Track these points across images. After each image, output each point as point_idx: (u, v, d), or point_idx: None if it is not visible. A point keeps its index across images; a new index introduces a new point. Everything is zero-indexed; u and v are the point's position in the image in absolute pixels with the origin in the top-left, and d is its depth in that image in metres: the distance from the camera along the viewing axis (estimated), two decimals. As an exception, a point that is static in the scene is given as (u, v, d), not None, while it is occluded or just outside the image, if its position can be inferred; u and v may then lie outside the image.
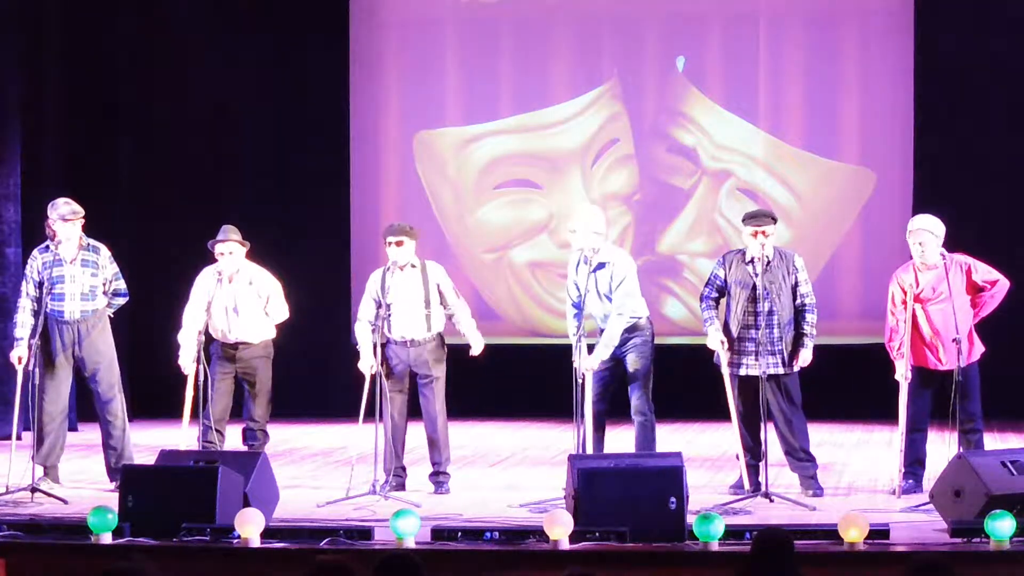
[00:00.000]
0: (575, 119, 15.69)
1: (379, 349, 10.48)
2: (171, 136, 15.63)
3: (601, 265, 10.46)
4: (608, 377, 10.44)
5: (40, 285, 10.80)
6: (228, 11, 15.69)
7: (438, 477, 10.72)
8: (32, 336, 10.70)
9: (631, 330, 10.46)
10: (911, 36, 15.09)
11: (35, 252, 10.98)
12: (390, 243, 10.63)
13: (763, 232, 10.26)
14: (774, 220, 10.44)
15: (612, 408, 10.62)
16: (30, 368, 10.62)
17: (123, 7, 15.33)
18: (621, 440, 11.33)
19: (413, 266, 10.68)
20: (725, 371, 10.28)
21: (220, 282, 11.11)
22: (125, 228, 14.76)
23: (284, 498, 9.74)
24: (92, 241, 10.98)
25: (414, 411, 10.86)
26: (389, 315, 10.58)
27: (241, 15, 15.70)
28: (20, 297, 10.97)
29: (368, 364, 10.51)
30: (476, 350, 10.93)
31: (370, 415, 10.38)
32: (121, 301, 11.11)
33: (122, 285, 11.07)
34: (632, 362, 10.50)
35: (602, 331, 10.46)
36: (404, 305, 10.61)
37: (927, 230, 10.33)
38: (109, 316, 11.07)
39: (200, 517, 8.70)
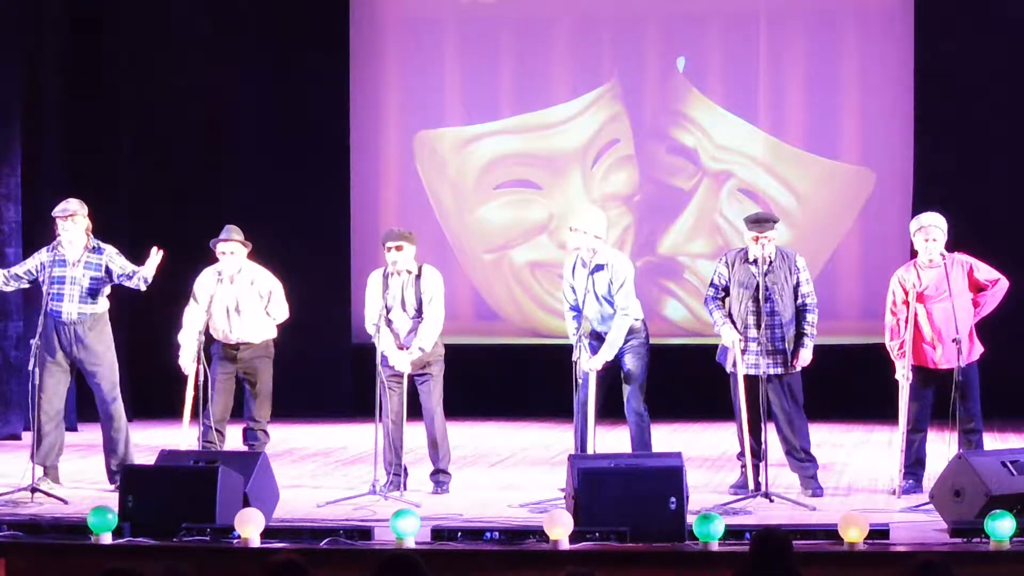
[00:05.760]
0: (575, 119, 15.69)
1: (378, 349, 10.49)
2: (171, 136, 15.62)
3: (599, 267, 10.45)
4: (606, 377, 10.44)
5: (31, 275, 10.84)
6: (228, 11, 15.69)
7: (438, 476, 10.71)
8: (32, 335, 10.71)
9: (628, 332, 10.46)
10: (911, 36, 15.08)
11: (43, 249, 11.01)
12: (389, 248, 10.60)
13: (764, 237, 10.28)
14: (776, 223, 10.45)
15: (608, 408, 10.62)
16: (30, 368, 10.63)
17: (123, 7, 15.32)
18: (620, 440, 11.33)
19: (410, 272, 10.65)
20: (740, 369, 10.26)
21: (220, 282, 11.10)
22: (125, 228, 14.74)
23: (284, 498, 9.74)
24: (99, 243, 10.97)
25: (414, 412, 10.85)
26: (388, 318, 10.57)
27: (241, 15, 15.70)
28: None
29: (404, 360, 10.47)
30: (396, 361, 10.48)
31: (368, 415, 10.42)
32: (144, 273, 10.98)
33: (132, 267, 10.98)
34: (629, 363, 10.51)
35: (595, 332, 10.45)
36: (398, 311, 10.60)
37: (938, 226, 10.35)
38: (145, 280, 10.93)
39: (200, 517, 8.70)
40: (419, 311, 10.62)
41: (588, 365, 10.23)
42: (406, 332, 10.63)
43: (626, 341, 10.47)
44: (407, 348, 10.60)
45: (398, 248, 10.58)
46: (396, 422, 10.60)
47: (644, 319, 10.67)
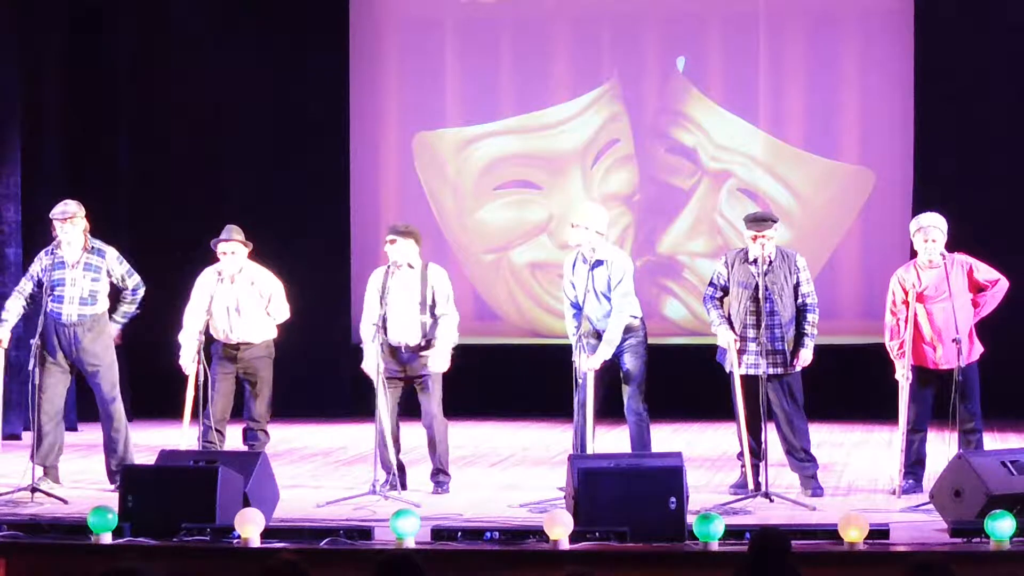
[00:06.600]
0: (575, 119, 15.69)
1: (383, 349, 10.50)
2: (171, 136, 15.63)
3: (599, 263, 10.45)
4: (604, 377, 10.43)
5: (40, 284, 10.81)
6: (228, 11, 15.69)
7: (438, 477, 10.71)
8: (32, 335, 10.70)
9: (626, 331, 10.45)
10: (911, 36, 15.09)
11: (41, 253, 10.99)
12: (386, 241, 10.65)
13: (763, 236, 10.27)
14: (775, 223, 10.45)
15: (608, 408, 10.62)
16: (30, 368, 10.62)
17: (123, 7, 15.33)
18: (620, 440, 11.33)
19: (411, 266, 10.65)
20: (736, 370, 10.26)
21: (221, 282, 11.10)
22: (125, 228, 14.76)
23: (284, 498, 9.74)
24: (98, 244, 10.95)
25: (413, 411, 10.85)
26: (386, 317, 10.56)
27: (241, 15, 15.70)
28: (16, 286, 11.00)
29: (373, 365, 10.49)
30: (432, 366, 10.56)
31: (368, 415, 10.43)
32: (140, 294, 11.03)
33: (137, 279, 10.99)
34: (627, 363, 10.50)
35: (595, 331, 10.45)
36: (400, 308, 10.59)
37: (938, 227, 10.35)
38: (137, 313, 11.01)
39: (200, 517, 8.70)
40: (422, 307, 10.61)
41: (586, 365, 10.23)
42: (408, 330, 10.61)
43: (624, 340, 10.47)
44: (407, 346, 10.59)
45: (391, 242, 10.61)
46: (394, 422, 10.61)
47: (643, 318, 10.66)
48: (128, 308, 11.05)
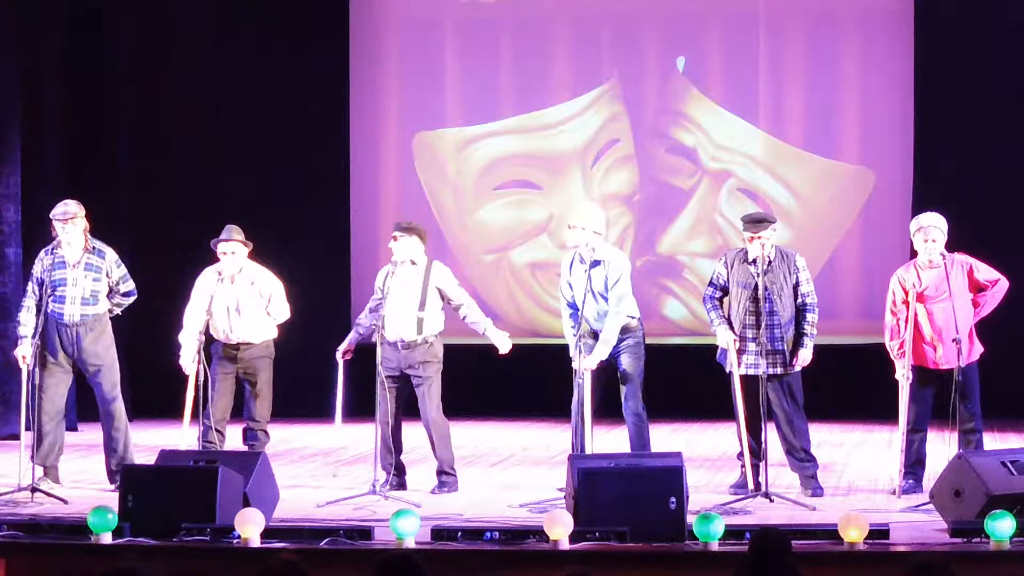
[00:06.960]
0: (575, 119, 15.69)
1: (378, 347, 10.51)
2: (171, 136, 15.63)
3: (596, 263, 10.45)
4: (602, 377, 10.43)
5: (42, 284, 10.80)
6: (228, 11, 15.69)
7: (441, 477, 10.72)
8: (33, 336, 10.70)
9: (623, 331, 10.45)
10: (911, 36, 15.09)
11: (41, 253, 10.99)
12: (391, 238, 10.69)
13: (759, 238, 10.27)
14: (773, 223, 10.44)
15: (607, 408, 10.62)
16: (31, 368, 10.62)
17: (123, 7, 15.33)
18: (620, 440, 11.34)
19: (413, 263, 10.67)
20: (735, 370, 10.26)
21: (221, 282, 11.10)
22: (125, 228, 14.76)
23: (284, 498, 9.74)
24: (99, 245, 10.96)
25: (415, 411, 10.85)
26: (384, 314, 10.57)
27: (241, 15, 15.70)
28: (25, 296, 10.99)
29: (341, 349, 10.77)
30: (504, 349, 10.83)
31: (368, 415, 10.45)
32: (129, 300, 11.10)
33: (131, 286, 11.05)
34: (625, 363, 10.50)
35: (593, 331, 10.45)
36: (398, 305, 10.60)
37: (937, 227, 10.35)
38: (117, 314, 11.07)
39: (200, 517, 8.70)
40: (421, 304, 10.62)
41: (583, 365, 10.23)
42: (405, 327, 10.61)
43: (622, 340, 10.47)
44: (403, 341, 10.59)
45: (393, 239, 10.67)
46: (394, 421, 10.62)
47: (640, 318, 10.66)
48: (112, 307, 11.04)
